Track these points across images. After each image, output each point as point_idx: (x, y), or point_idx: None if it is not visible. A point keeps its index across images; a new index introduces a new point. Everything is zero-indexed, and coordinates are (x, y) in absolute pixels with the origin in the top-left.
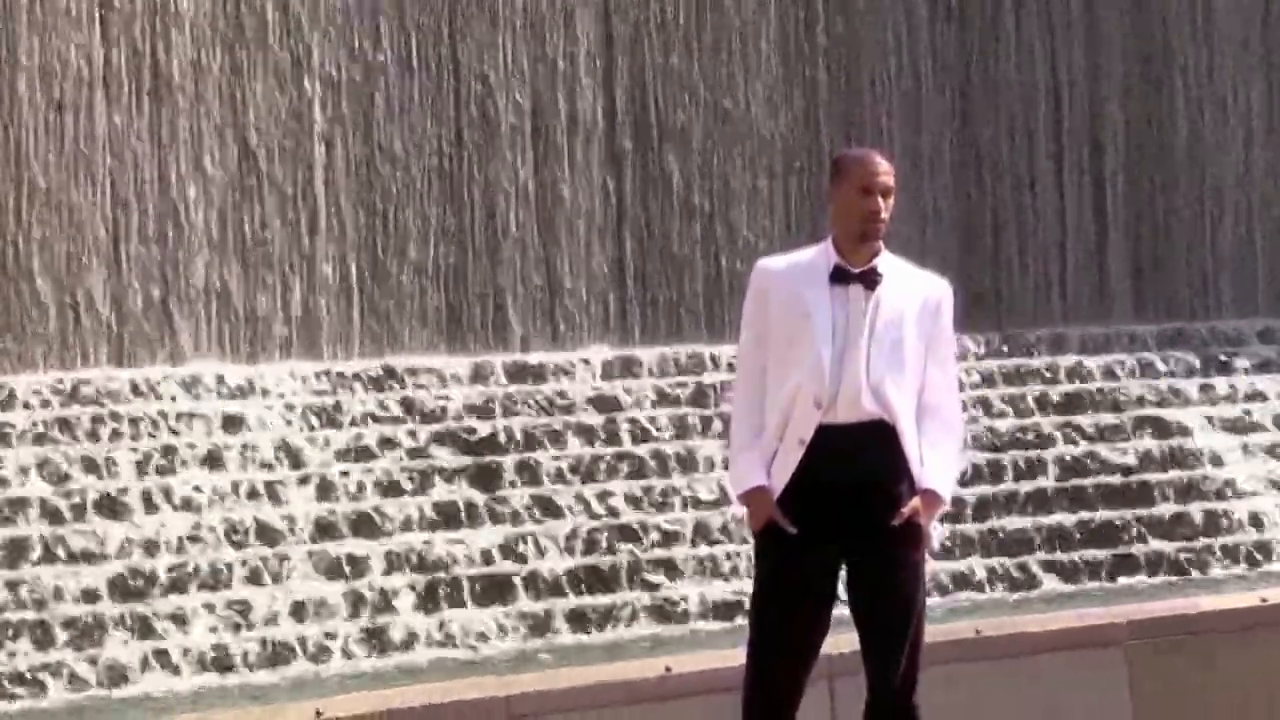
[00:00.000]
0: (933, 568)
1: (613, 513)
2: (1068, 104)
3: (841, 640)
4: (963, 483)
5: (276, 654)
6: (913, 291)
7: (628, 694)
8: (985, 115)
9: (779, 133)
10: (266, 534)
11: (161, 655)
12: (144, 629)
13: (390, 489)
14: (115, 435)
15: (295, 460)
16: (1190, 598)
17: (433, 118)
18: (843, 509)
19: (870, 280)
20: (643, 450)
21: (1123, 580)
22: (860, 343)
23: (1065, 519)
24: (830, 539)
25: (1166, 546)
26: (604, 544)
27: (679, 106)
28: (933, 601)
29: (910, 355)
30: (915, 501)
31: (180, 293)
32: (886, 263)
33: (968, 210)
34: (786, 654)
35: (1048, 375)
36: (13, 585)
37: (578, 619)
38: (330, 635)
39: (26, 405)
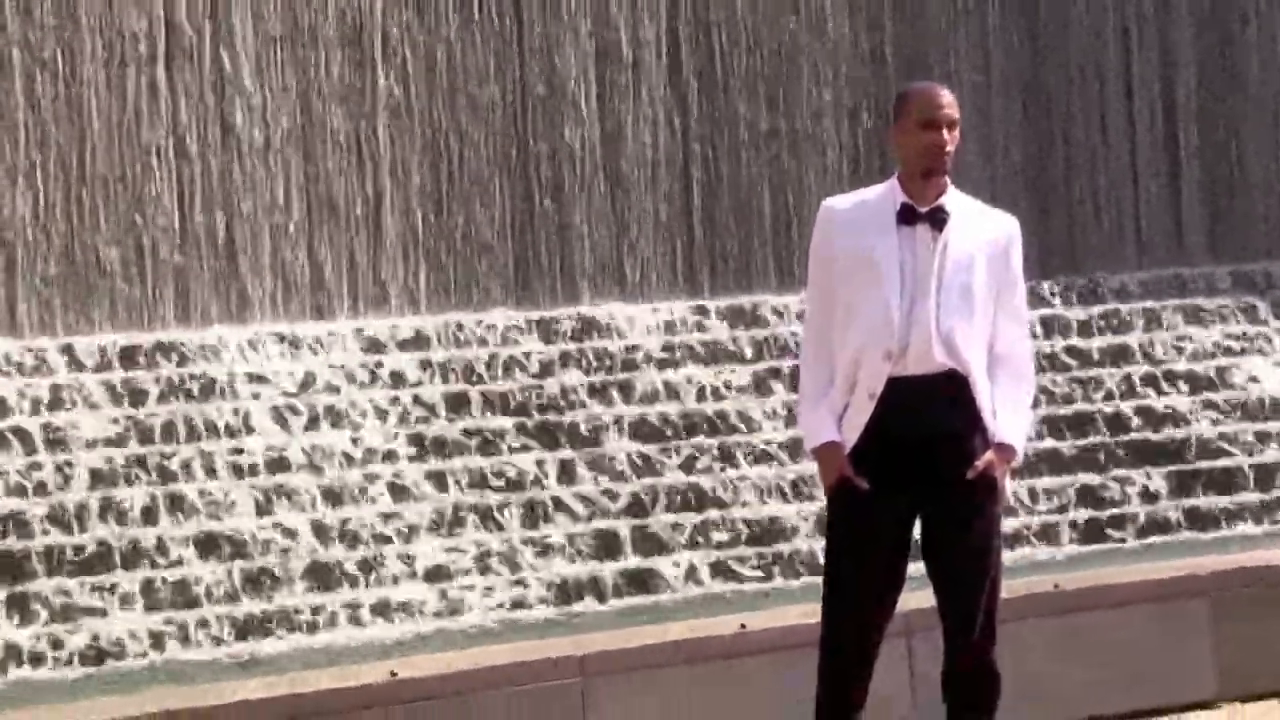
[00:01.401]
0: (1010, 523)
1: (683, 469)
2: (1137, 41)
3: (919, 597)
4: (1036, 435)
5: (355, 616)
6: (981, 232)
7: (702, 651)
8: (1054, 55)
9: (846, 74)
10: (331, 496)
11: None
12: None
13: (456, 448)
14: (186, 397)
15: (362, 420)
16: (1274, 549)
17: (497, 69)
18: (915, 463)
19: (938, 220)
20: (711, 406)
21: (1204, 533)
22: (929, 290)
23: (1142, 472)
24: (903, 493)
25: (1249, 498)
26: (669, 503)
27: (743, 51)
28: (1014, 556)
29: (980, 301)
30: (989, 454)
31: (246, 252)
32: (954, 201)
33: (1038, 153)
34: (861, 609)
35: (1120, 321)
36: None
37: (648, 578)
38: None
39: (94, 368)
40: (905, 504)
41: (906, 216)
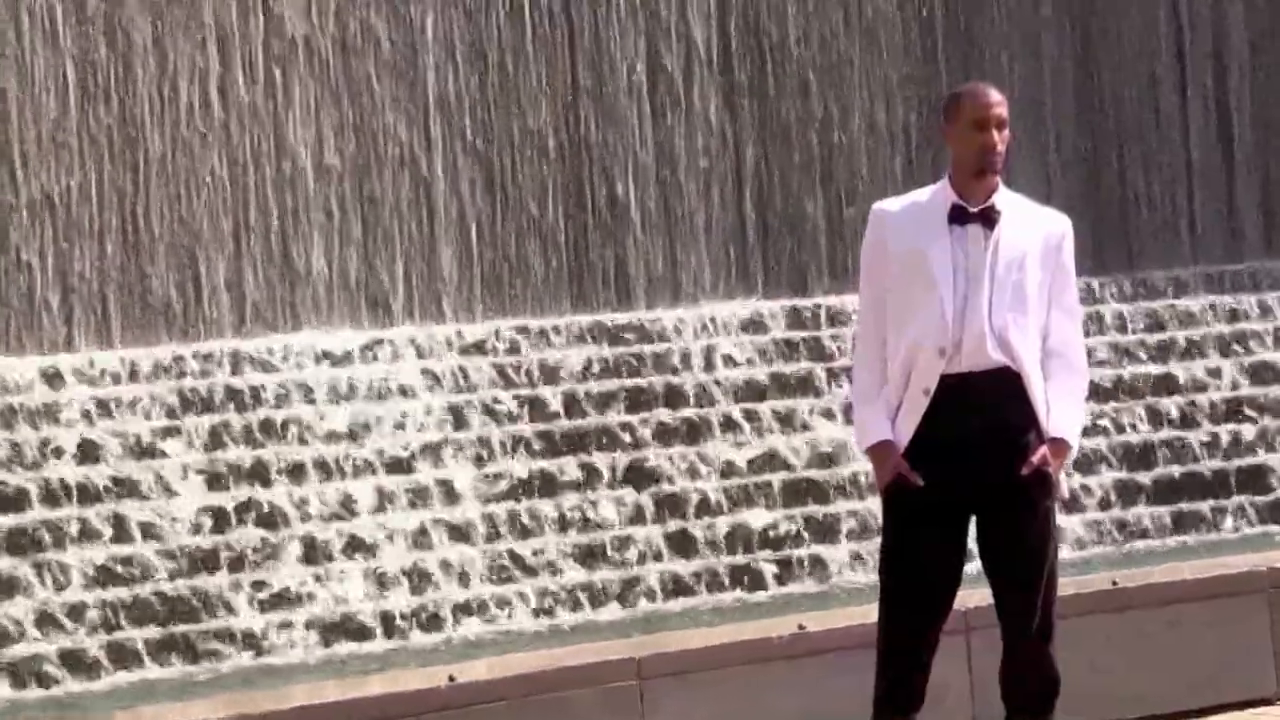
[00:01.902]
0: (1068, 521)
1: (736, 472)
2: (1189, 30)
3: (979, 594)
4: (1091, 431)
5: (426, 620)
6: (1033, 229)
7: (761, 652)
8: (1106, 47)
9: (897, 75)
10: (383, 501)
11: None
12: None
13: (515, 451)
14: (241, 407)
15: (419, 424)
16: None
17: (548, 72)
18: (970, 460)
19: (989, 219)
20: (766, 406)
21: (1260, 528)
22: (982, 287)
23: (1203, 466)
24: (958, 491)
25: None
26: (725, 506)
27: (794, 55)
28: (1078, 555)
29: (1033, 298)
30: (1044, 450)
31: (300, 260)
32: (1005, 199)
33: (1090, 146)
34: (917, 608)
35: (1176, 317)
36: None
37: (719, 579)
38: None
39: (147, 378)
40: (960, 502)
41: (958, 216)
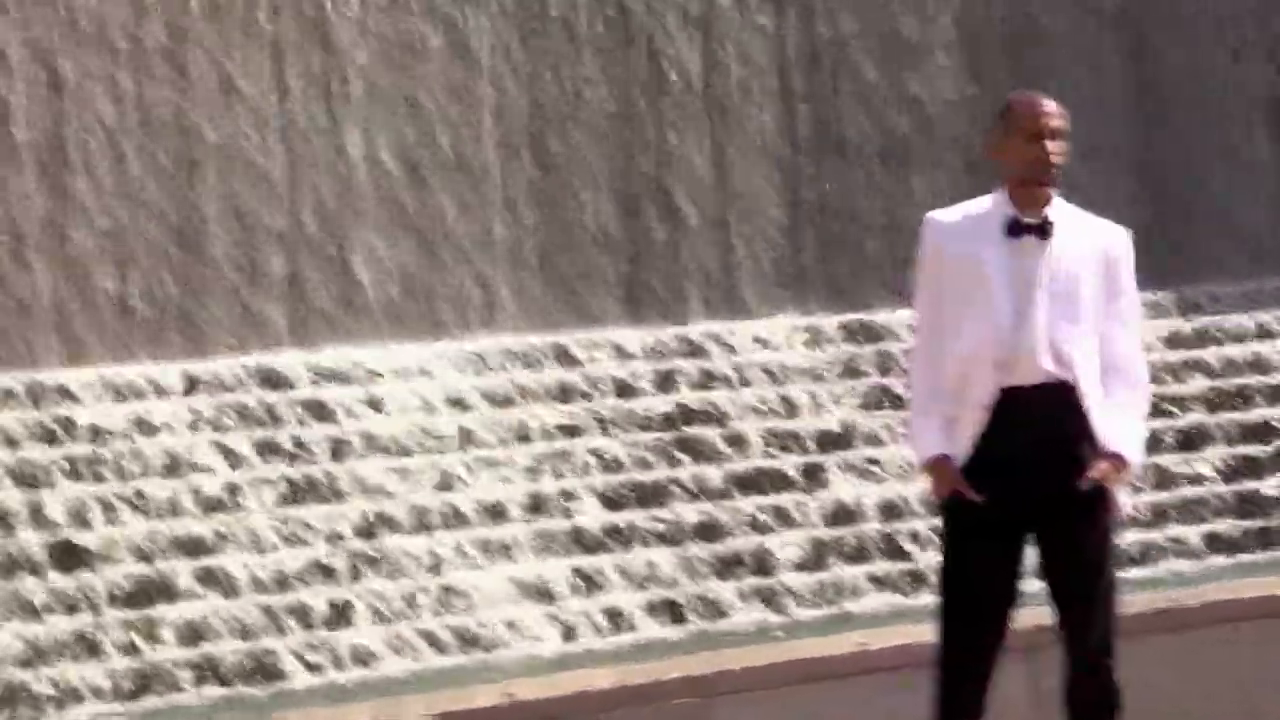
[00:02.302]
0: (1131, 538)
1: (798, 487)
2: (1247, 43)
3: (1042, 612)
4: (1153, 449)
5: (478, 637)
6: (1089, 241)
7: (823, 669)
8: (1167, 61)
9: (953, 88)
10: (443, 518)
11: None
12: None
13: (575, 466)
14: (297, 420)
15: (475, 440)
16: None
17: (605, 87)
18: (1027, 475)
19: (1044, 231)
20: (823, 422)
21: None
22: (1038, 299)
23: (1263, 485)
24: (1015, 506)
25: None
26: (782, 520)
27: (851, 67)
28: (1142, 574)
29: (1089, 310)
30: (1103, 465)
31: (356, 271)
32: (1061, 211)
33: (1151, 160)
34: (976, 624)
35: (1237, 333)
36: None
37: (795, 595)
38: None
39: (207, 388)
40: (1017, 517)
41: (1013, 228)
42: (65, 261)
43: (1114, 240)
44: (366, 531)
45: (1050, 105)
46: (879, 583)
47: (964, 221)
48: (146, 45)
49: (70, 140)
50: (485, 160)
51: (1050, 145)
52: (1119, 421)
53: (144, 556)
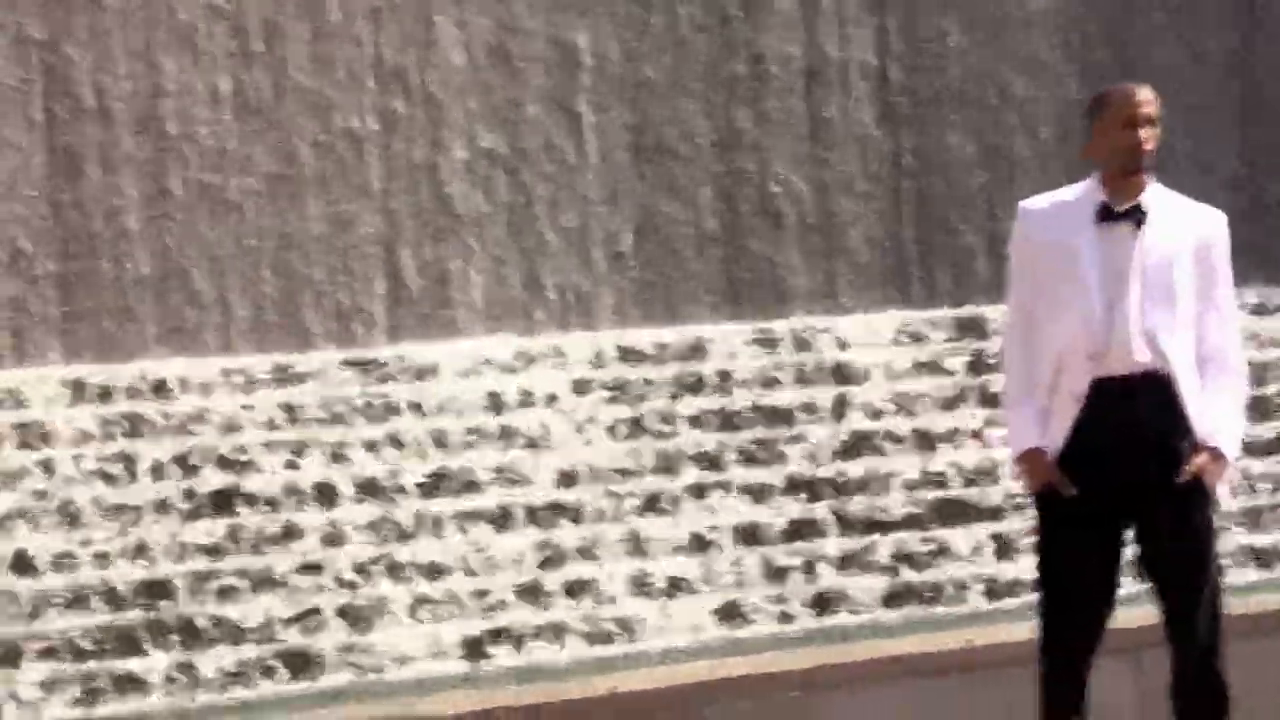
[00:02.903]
0: (1239, 540)
1: (900, 487)
2: None
3: (1148, 611)
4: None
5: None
6: (1184, 227)
7: (928, 666)
8: (1271, 52)
9: (1057, 82)
10: (545, 515)
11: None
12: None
13: (673, 461)
14: (394, 414)
15: (572, 435)
16: None
17: (705, 75)
18: (1122, 466)
19: (1137, 217)
20: (925, 420)
21: None
22: (1131, 288)
23: None
24: (1111, 498)
25: None
26: (889, 521)
27: (954, 61)
28: (1256, 578)
29: (1184, 299)
30: (1201, 457)
31: (453, 265)
32: (1155, 197)
33: (1252, 151)
34: (1074, 616)
35: None
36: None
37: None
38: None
39: (300, 381)
40: (1114, 509)
41: (1105, 215)
42: (165, 255)
43: (1210, 226)
44: (500, 521)
45: (1145, 92)
46: (981, 582)
47: (1056, 209)
48: (249, 44)
49: (171, 134)
50: (584, 156)
51: (1143, 132)
52: (1216, 413)
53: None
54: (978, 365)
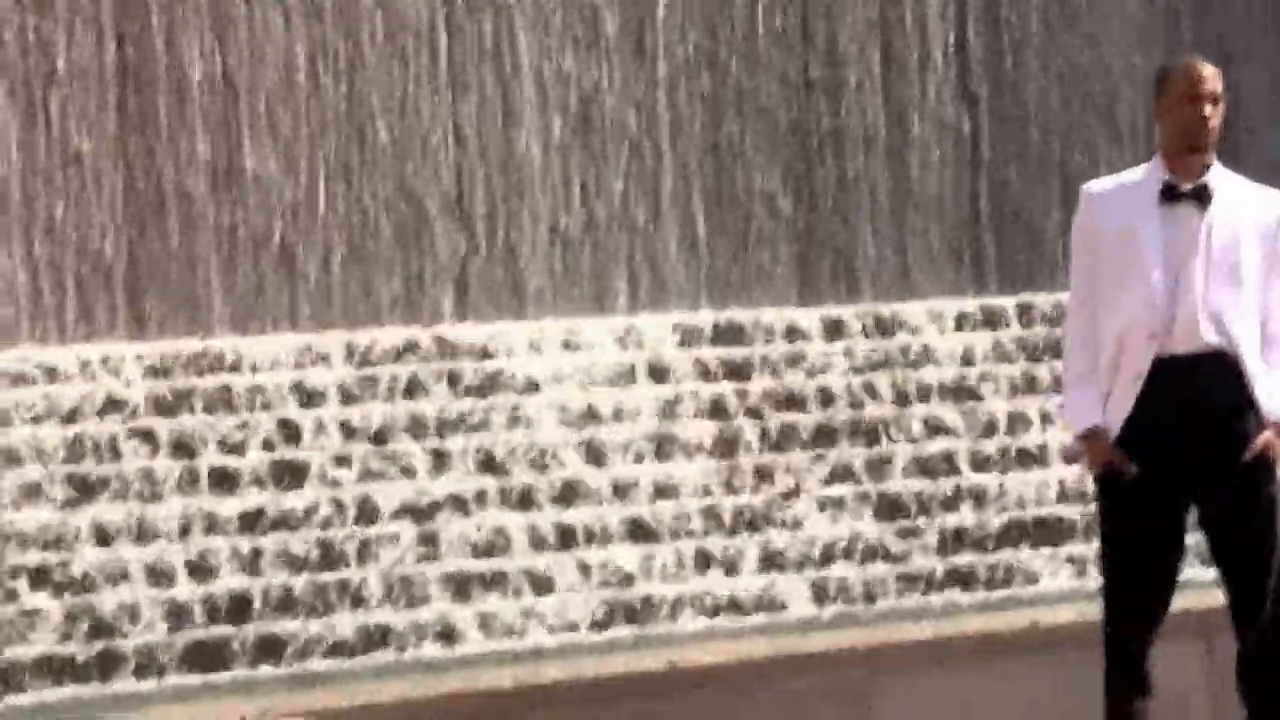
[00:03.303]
0: None
1: (963, 469)
2: None
3: (1218, 595)
4: None
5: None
6: (1249, 208)
7: (993, 645)
8: None
9: (1137, 68)
10: (616, 493)
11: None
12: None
13: (736, 446)
14: (466, 392)
15: (641, 417)
16: None
17: (780, 61)
18: (1185, 445)
19: (1202, 197)
20: (999, 405)
21: None
22: (1195, 267)
23: None
24: (1173, 478)
25: None
26: (949, 504)
27: (1033, 56)
28: None
29: (1249, 278)
30: (1266, 434)
31: (524, 245)
32: (1219, 177)
33: None
34: (1138, 595)
35: None
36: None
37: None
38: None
39: (370, 362)
40: (1177, 488)
41: (1169, 195)
42: (233, 230)
43: (1276, 206)
44: (565, 500)
45: (1207, 68)
46: (1052, 563)
47: (1119, 190)
48: (324, 18)
49: (244, 108)
50: (657, 138)
51: (1207, 109)
52: None
53: None
54: (1055, 351)
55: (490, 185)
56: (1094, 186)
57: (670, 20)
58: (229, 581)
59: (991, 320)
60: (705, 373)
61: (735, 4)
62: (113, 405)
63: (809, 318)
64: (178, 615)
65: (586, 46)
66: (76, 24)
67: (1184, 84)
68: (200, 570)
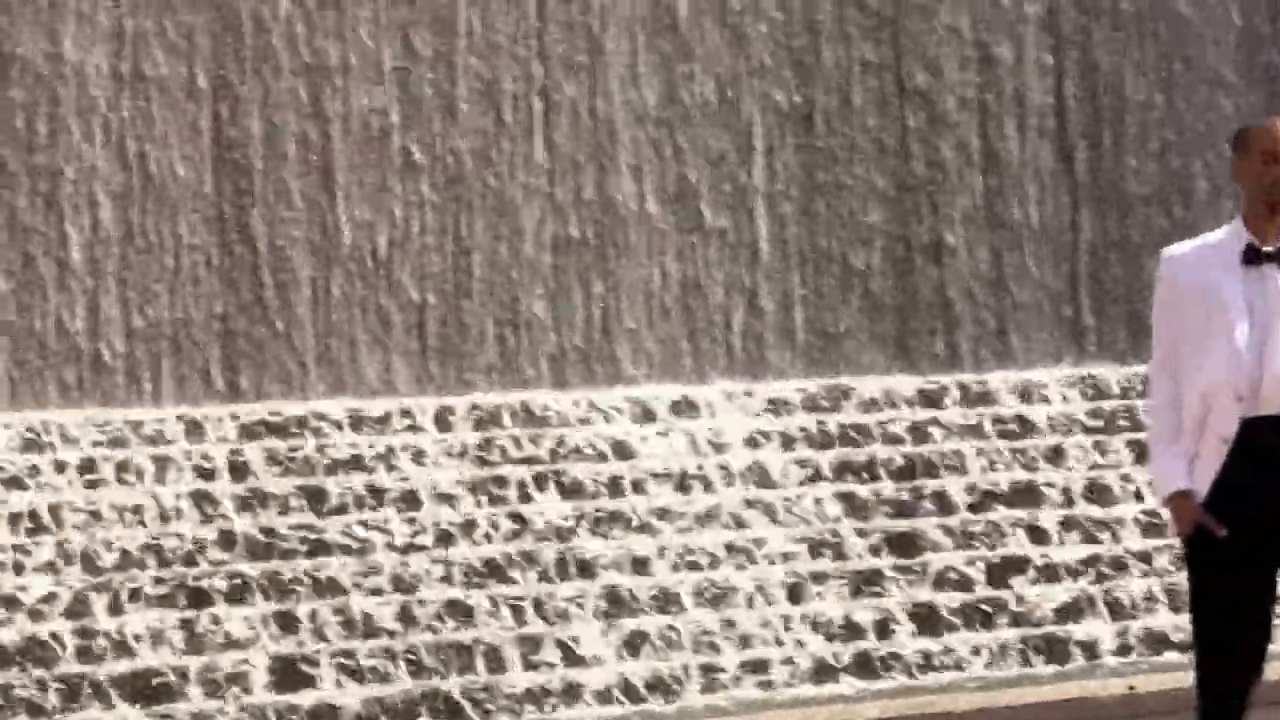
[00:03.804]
0: None
1: (1072, 538)
2: None
3: None
4: None
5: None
6: None
7: (1090, 711)
8: None
9: (1238, 121)
10: (733, 554)
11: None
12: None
13: (837, 511)
14: (558, 457)
15: (733, 484)
16: None
17: (876, 129)
18: (1272, 507)
19: None
20: (1098, 475)
21: None
22: (1278, 329)
23: None
24: (1262, 540)
25: None
26: (1053, 574)
27: (1133, 111)
28: None
29: None
30: None
31: (618, 311)
32: None
33: None
34: (1229, 658)
35: None
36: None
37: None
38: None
39: (472, 426)
40: (1265, 550)
41: (1251, 256)
42: (329, 295)
43: None
44: (638, 566)
45: None
46: (1143, 630)
47: (1200, 252)
48: (421, 84)
49: (339, 168)
50: (753, 205)
51: None
52: None
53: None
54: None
55: (584, 250)
56: (1175, 250)
57: (764, 88)
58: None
59: (1089, 392)
60: (801, 439)
61: (830, 71)
62: (208, 467)
63: (906, 386)
64: None
65: (680, 117)
66: (175, 94)
67: (1264, 143)
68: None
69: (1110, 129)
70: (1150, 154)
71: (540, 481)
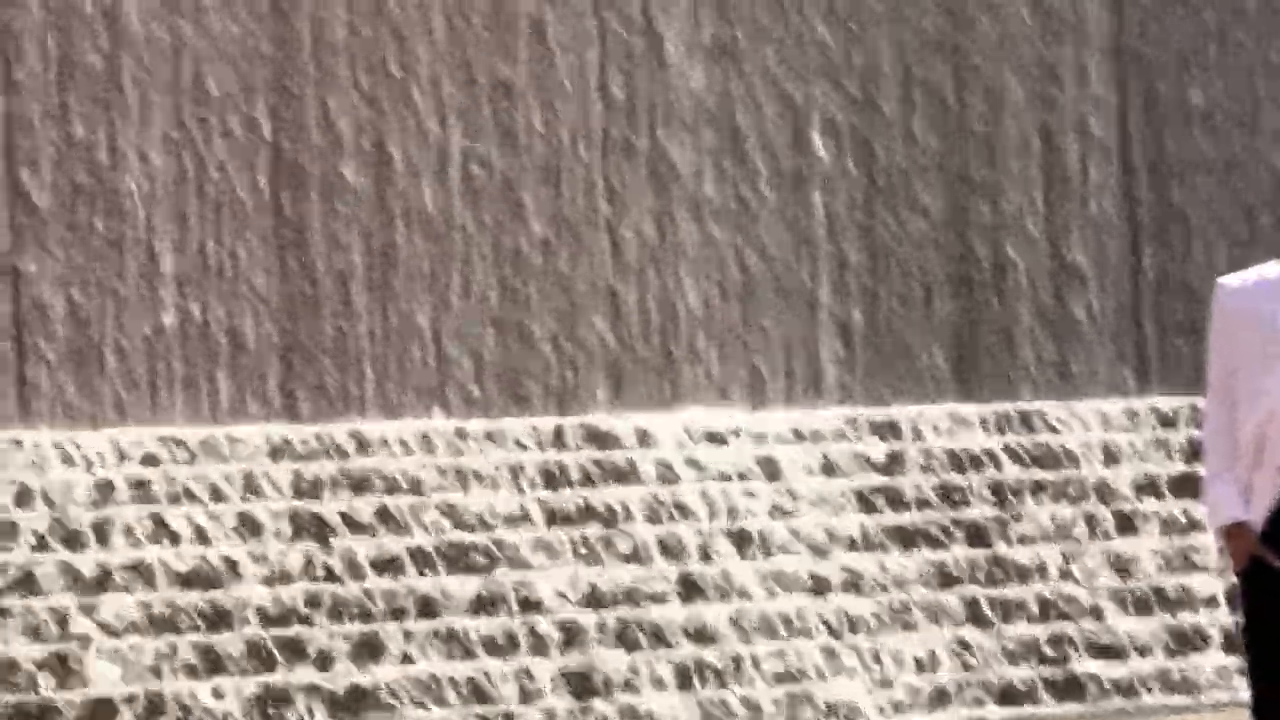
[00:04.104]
0: None
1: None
2: None
3: None
4: None
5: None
6: None
7: None
8: None
9: None
10: (765, 583)
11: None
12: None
13: (894, 540)
14: (613, 480)
15: (796, 509)
16: None
17: (937, 158)
18: None
19: None
20: (1150, 507)
21: None
22: None
23: None
24: None
25: None
26: (1093, 607)
27: (1197, 138)
28: None
29: None
30: None
31: (677, 334)
32: None
33: None
34: None
35: None
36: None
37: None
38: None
39: (521, 446)
40: None
41: None
42: (386, 314)
43: None
44: (683, 596)
45: None
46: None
47: (1256, 283)
48: (480, 107)
49: (395, 196)
50: (813, 231)
51: None
52: None
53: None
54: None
55: (644, 277)
56: (1231, 280)
57: (825, 117)
58: None
59: (1159, 420)
60: (861, 466)
61: (891, 100)
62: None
63: (967, 414)
64: None
65: (739, 150)
66: (232, 122)
67: None
68: None
69: (1175, 159)
70: (1214, 187)
71: (587, 505)
